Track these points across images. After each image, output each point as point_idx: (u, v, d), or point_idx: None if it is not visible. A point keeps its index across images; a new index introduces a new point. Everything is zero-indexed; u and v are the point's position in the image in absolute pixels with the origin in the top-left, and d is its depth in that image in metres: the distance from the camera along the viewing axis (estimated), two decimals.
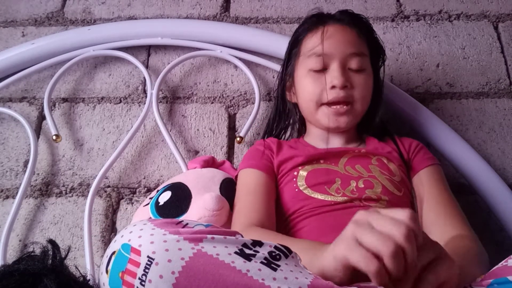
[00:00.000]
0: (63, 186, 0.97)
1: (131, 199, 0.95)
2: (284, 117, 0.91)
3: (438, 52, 1.09)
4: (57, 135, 0.97)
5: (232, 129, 1.03)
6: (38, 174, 0.99)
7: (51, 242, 0.49)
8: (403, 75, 1.07)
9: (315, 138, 0.85)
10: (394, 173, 0.77)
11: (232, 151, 1.00)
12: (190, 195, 0.78)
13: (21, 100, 1.09)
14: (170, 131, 1.01)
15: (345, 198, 0.72)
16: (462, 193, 0.91)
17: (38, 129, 1.05)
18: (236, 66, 1.08)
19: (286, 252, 0.47)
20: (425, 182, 0.77)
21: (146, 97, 1.03)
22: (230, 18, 1.17)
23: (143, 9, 1.19)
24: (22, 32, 1.18)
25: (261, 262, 0.44)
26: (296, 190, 0.76)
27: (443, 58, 1.09)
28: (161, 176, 0.97)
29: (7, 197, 0.96)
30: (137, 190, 0.96)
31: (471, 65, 1.08)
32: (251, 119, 0.98)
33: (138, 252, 0.43)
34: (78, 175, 0.98)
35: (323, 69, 0.80)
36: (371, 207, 0.72)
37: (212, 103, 1.06)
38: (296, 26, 0.91)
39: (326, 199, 0.73)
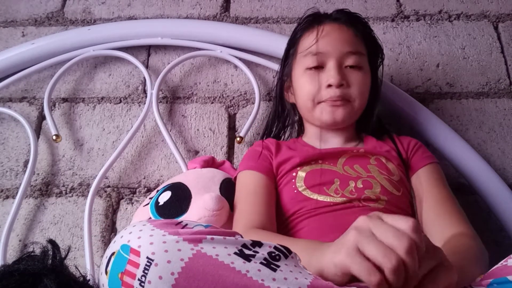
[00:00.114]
0: (63, 186, 0.97)
1: (131, 199, 0.95)
2: (283, 118, 0.91)
3: (438, 52, 1.09)
4: (57, 135, 0.97)
5: (232, 129, 1.03)
6: (38, 174, 0.99)
7: (51, 242, 0.49)
8: (403, 75, 1.07)
9: (314, 138, 0.85)
10: (393, 173, 0.77)
11: (232, 151, 1.00)
12: (190, 195, 0.77)
13: (21, 100, 1.09)
14: (170, 131, 1.01)
15: (344, 198, 0.72)
16: (462, 193, 0.91)
17: (38, 129, 1.05)
18: (236, 66, 1.08)
19: (286, 253, 0.47)
20: (423, 181, 0.77)
21: (146, 97, 1.03)
22: (230, 18, 1.17)
23: (143, 9, 1.19)
24: (22, 32, 1.18)
25: (261, 263, 0.44)
26: (295, 191, 0.76)
27: (443, 58, 1.09)
28: (161, 176, 0.97)
29: (7, 197, 0.97)
30: (137, 190, 0.96)
31: (471, 65, 1.07)
32: (251, 119, 0.98)
33: (137, 253, 0.43)
34: (78, 175, 0.98)
35: (320, 68, 0.80)
36: (370, 207, 0.72)
37: (212, 103, 1.06)
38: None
39: (325, 200, 0.73)
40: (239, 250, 0.45)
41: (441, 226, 0.70)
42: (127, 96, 1.08)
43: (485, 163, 0.92)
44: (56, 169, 1.00)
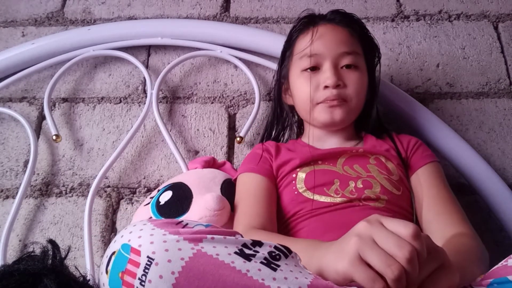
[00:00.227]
0: (63, 186, 0.97)
1: (131, 199, 0.95)
2: (282, 120, 0.91)
3: (438, 52, 1.09)
4: (57, 135, 0.97)
5: (232, 129, 1.03)
6: (38, 174, 0.99)
7: (51, 242, 0.49)
8: (403, 75, 1.07)
9: (313, 138, 0.85)
10: (392, 172, 0.77)
11: (232, 151, 1.00)
12: (191, 195, 0.78)
13: (21, 100, 1.09)
14: (170, 131, 1.01)
15: (344, 199, 0.72)
16: (462, 193, 0.91)
17: (38, 129, 1.05)
18: (236, 66, 1.08)
19: (286, 252, 0.47)
20: (423, 181, 0.77)
21: (146, 97, 1.03)
22: (230, 18, 1.17)
23: (143, 9, 1.19)
24: (22, 32, 1.18)
25: (261, 262, 0.44)
26: (296, 192, 0.76)
27: (443, 58, 1.09)
28: (161, 176, 0.97)
29: (7, 197, 0.97)
30: (137, 190, 0.96)
31: (471, 65, 1.08)
32: (251, 119, 0.98)
33: (138, 252, 0.43)
34: (78, 175, 0.98)
35: (316, 69, 0.80)
36: (370, 206, 0.72)
37: (212, 103, 1.06)
38: None
39: (325, 200, 0.73)
40: (239, 249, 0.45)
41: (441, 225, 0.70)
42: (127, 96, 1.08)
43: (485, 163, 0.92)
44: (56, 169, 1.00)
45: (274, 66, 1.03)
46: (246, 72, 1.03)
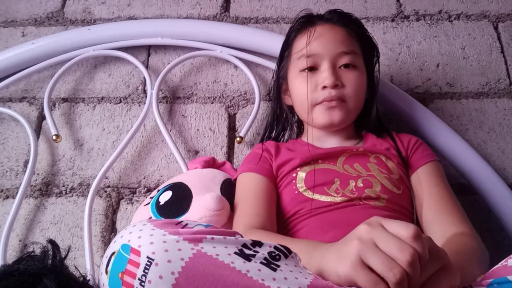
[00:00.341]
0: (63, 186, 0.97)
1: (131, 199, 0.95)
2: (281, 120, 0.91)
3: (438, 52, 1.09)
4: (57, 135, 0.97)
5: (232, 129, 1.03)
6: (38, 174, 0.99)
7: (51, 242, 0.49)
8: (403, 75, 1.07)
9: (313, 137, 0.85)
10: (393, 171, 0.77)
11: (232, 151, 1.00)
12: (191, 195, 0.78)
13: (21, 100, 1.09)
14: (170, 131, 1.01)
15: (345, 198, 0.72)
16: (462, 193, 0.91)
17: (38, 129, 1.05)
18: (236, 66, 1.08)
19: (286, 252, 0.47)
20: (423, 180, 0.77)
21: (146, 97, 1.03)
22: (230, 18, 1.17)
23: (143, 9, 1.19)
24: (22, 32, 1.18)
25: (261, 263, 0.44)
26: (296, 192, 0.76)
27: (443, 58, 1.09)
28: (161, 176, 0.97)
29: (7, 197, 0.97)
30: (137, 190, 0.96)
31: (471, 65, 1.08)
32: (251, 119, 0.98)
33: (137, 253, 0.43)
34: (78, 175, 0.98)
35: (315, 70, 0.80)
36: (370, 205, 0.72)
37: (212, 103, 1.06)
38: None
39: (326, 200, 0.73)
40: (239, 249, 0.45)
41: (442, 225, 0.70)
42: (127, 96, 1.08)
43: (485, 163, 0.92)
44: (56, 169, 1.00)
45: (274, 66, 1.03)
46: (246, 72, 1.03)
